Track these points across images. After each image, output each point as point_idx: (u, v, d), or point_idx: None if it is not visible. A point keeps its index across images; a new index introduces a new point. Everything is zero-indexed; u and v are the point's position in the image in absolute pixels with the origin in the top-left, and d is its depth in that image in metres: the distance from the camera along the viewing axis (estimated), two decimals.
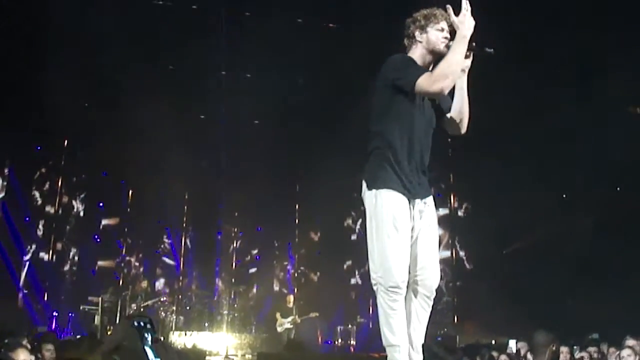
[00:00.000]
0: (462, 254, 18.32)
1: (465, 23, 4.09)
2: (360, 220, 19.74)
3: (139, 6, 13.00)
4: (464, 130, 4.54)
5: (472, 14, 4.09)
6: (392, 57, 4.36)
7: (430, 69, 4.35)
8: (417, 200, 4.28)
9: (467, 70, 4.40)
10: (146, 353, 5.86)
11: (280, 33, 12.91)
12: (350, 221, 20.03)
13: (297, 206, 19.50)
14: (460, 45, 4.08)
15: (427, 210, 4.34)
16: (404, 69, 4.23)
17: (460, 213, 18.65)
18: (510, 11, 12.32)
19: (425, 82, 4.10)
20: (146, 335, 5.99)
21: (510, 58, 12.56)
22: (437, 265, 4.36)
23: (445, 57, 4.11)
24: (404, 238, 4.14)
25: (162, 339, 13.30)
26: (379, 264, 4.13)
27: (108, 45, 13.28)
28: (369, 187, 4.26)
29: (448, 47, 4.29)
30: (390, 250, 4.09)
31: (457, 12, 4.19)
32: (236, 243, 19.13)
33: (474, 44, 4.27)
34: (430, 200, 4.38)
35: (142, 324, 6.12)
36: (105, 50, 13.60)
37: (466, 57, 4.29)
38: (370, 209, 4.23)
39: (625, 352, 7.64)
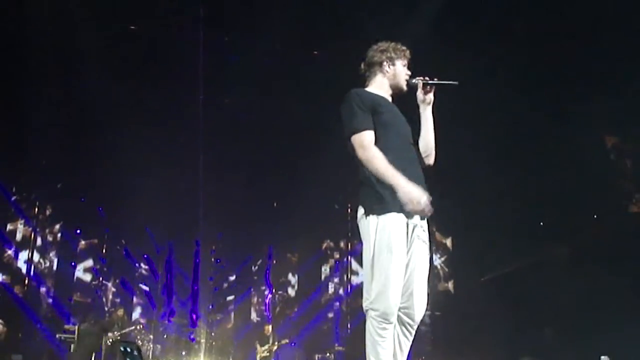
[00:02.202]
0: (440, 281, 18.34)
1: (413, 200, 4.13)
2: (338, 248, 19.83)
3: (115, 32, 12.98)
4: (431, 161, 4.71)
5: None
6: (343, 101, 4.48)
7: (391, 99, 4.60)
8: (416, 221, 4.32)
9: (430, 103, 4.65)
10: None
11: (259, 58, 12.96)
12: (327, 248, 20.14)
13: (274, 244, 19.52)
14: (384, 179, 4.18)
15: (423, 235, 4.37)
16: (349, 119, 4.38)
17: (437, 241, 18.69)
18: (484, 35, 12.44)
19: (354, 141, 4.32)
20: None
21: (486, 86, 12.71)
22: (425, 293, 4.37)
23: (380, 170, 4.20)
24: (400, 267, 4.16)
25: None
26: (372, 291, 4.13)
27: (84, 72, 13.28)
28: (367, 214, 4.25)
29: (408, 84, 4.60)
30: (385, 278, 4.09)
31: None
32: (213, 270, 19.05)
33: (435, 79, 4.60)
34: (425, 223, 4.42)
35: (129, 350, 6.10)
36: (81, 77, 13.59)
37: (427, 91, 4.62)
38: (369, 235, 4.21)
39: None
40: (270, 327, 15.82)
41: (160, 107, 14.56)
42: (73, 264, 18.29)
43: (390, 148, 4.31)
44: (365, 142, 4.26)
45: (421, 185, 4.34)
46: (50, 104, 13.77)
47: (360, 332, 4.26)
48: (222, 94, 14.71)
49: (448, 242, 18.65)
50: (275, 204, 18.86)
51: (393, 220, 4.17)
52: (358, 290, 17.97)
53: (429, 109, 4.67)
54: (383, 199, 4.18)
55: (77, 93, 13.92)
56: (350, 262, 19.17)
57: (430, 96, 4.64)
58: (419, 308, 4.32)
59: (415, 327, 4.35)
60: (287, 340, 15.61)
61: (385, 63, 4.61)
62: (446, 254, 18.51)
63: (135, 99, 14.20)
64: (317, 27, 12.83)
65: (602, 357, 8.18)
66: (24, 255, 16.91)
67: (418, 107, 4.74)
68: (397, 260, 4.14)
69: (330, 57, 13.22)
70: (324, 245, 20.38)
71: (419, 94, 4.66)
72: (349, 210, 17.75)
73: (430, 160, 4.69)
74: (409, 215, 4.24)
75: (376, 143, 4.30)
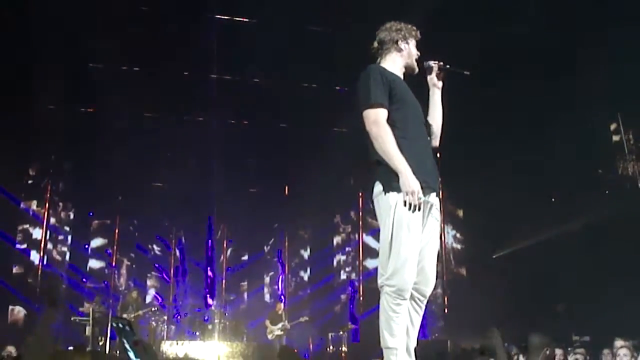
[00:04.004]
0: (451, 258, 18.35)
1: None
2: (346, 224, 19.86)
3: (126, 14, 12.91)
4: (436, 142, 4.71)
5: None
6: (362, 75, 4.46)
7: (402, 77, 4.60)
8: (432, 199, 4.33)
9: (440, 87, 4.74)
10: (128, 354, 5.90)
11: (269, 36, 12.91)
12: (338, 225, 20.22)
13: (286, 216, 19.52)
14: (389, 159, 4.18)
15: (436, 213, 4.38)
16: (366, 92, 4.33)
17: (449, 218, 18.67)
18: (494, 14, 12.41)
19: (368, 116, 4.28)
20: (125, 337, 6.01)
21: (494, 63, 12.68)
22: (434, 268, 4.38)
23: (388, 151, 4.18)
24: (416, 244, 4.18)
25: (152, 346, 13.36)
26: (389, 267, 4.14)
27: (93, 50, 13.28)
28: (386, 190, 4.22)
29: (422, 65, 4.66)
30: (403, 255, 4.10)
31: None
32: (227, 252, 19.12)
33: (448, 65, 4.70)
34: (438, 202, 4.42)
35: (120, 325, 6.18)
36: (90, 55, 13.61)
37: (439, 78, 4.72)
38: (387, 212, 4.19)
39: (622, 352, 7.72)
40: (282, 305, 15.82)
41: (171, 88, 14.51)
42: (86, 245, 18.40)
43: (408, 126, 4.32)
44: (379, 119, 4.24)
45: (432, 162, 4.40)
46: (61, 85, 13.76)
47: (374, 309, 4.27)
48: (233, 75, 14.63)
49: (459, 218, 18.65)
50: (286, 188, 18.92)
51: None
52: (371, 268, 18.04)
53: (439, 92, 4.74)
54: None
55: (89, 75, 13.92)
56: (363, 240, 19.21)
57: (439, 84, 4.74)
58: (430, 284, 4.34)
59: (425, 302, 4.37)
60: (306, 318, 15.65)
61: (400, 41, 4.61)
62: (458, 229, 18.51)
63: (146, 81, 14.18)
64: (330, 5, 12.77)
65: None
66: (37, 233, 16.96)
67: (428, 89, 4.79)
68: (414, 238, 4.15)
69: (343, 36, 13.17)
70: (336, 222, 20.45)
71: (432, 77, 4.74)
72: (361, 190, 17.82)
73: (437, 141, 4.70)
74: (427, 186, 4.24)
75: (394, 120, 4.30)
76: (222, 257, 18.90)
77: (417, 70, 4.66)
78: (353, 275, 19.21)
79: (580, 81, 12.99)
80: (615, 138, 14.21)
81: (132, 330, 5.90)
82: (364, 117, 4.29)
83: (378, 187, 4.30)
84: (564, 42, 12.75)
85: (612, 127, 14.37)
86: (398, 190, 4.16)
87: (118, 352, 12.78)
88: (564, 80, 13.29)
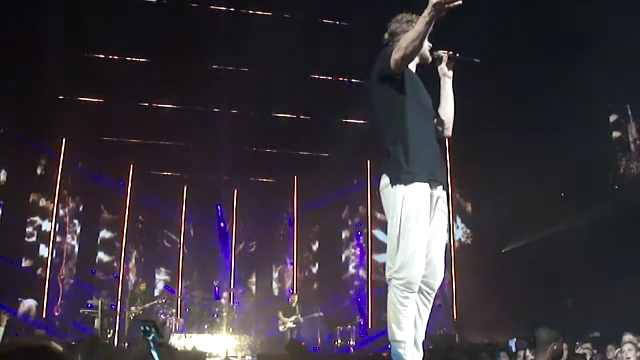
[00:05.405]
0: (460, 252, 18.31)
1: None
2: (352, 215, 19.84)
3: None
4: (448, 133, 4.71)
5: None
6: (379, 55, 4.43)
7: (414, 70, 4.54)
8: (439, 192, 4.34)
9: (451, 77, 4.68)
10: (152, 356, 5.92)
11: (280, 28, 12.88)
12: (344, 215, 20.23)
13: (295, 207, 19.48)
14: (421, 24, 3.99)
15: (443, 206, 4.38)
16: (386, 57, 4.27)
17: (458, 212, 18.64)
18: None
19: (392, 57, 4.18)
20: (151, 338, 6.05)
21: (505, 58, 12.65)
22: (442, 261, 4.38)
23: (416, 26, 4.06)
24: (424, 237, 4.17)
25: (171, 344, 13.40)
26: (397, 260, 4.14)
27: (105, 42, 13.30)
28: (393, 183, 4.22)
29: (431, 53, 4.55)
30: (411, 248, 4.10)
31: None
32: (236, 244, 19.10)
33: (458, 54, 4.64)
34: (445, 194, 4.43)
35: (147, 328, 6.20)
36: (101, 47, 13.63)
37: (449, 67, 4.66)
38: (395, 205, 4.19)
39: (626, 347, 7.70)
40: (296, 297, 15.74)
41: (178, 77, 14.48)
42: (95, 238, 18.43)
43: (417, 119, 4.32)
44: (393, 54, 4.16)
45: (440, 156, 4.42)
46: (69, 75, 13.79)
47: (382, 303, 4.27)
48: (242, 62, 14.60)
49: (468, 212, 18.61)
50: (295, 178, 18.87)
51: (419, 190, 4.17)
52: (378, 263, 18.01)
53: (450, 82, 4.68)
54: (409, 170, 4.17)
55: (99, 65, 13.93)
56: (371, 235, 19.19)
57: (450, 73, 4.68)
58: (438, 277, 4.34)
59: (434, 295, 4.36)
60: (321, 314, 15.66)
61: None
62: (467, 224, 18.47)
63: (156, 67, 14.20)
64: None
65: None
66: (46, 225, 16.96)
67: (439, 79, 4.74)
68: (422, 230, 4.14)
69: (352, 26, 13.16)
70: (344, 216, 20.44)
71: (443, 66, 4.69)
72: (369, 182, 17.80)
73: (449, 132, 4.69)
74: (434, 179, 4.25)
75: (405, 109, 4.29)
76: (230, 251, 18.88)
77: (430, 59, 4.60)
78: (361, 270, 19.18)
79: (586, 77, 12.96)
80: (622, 134, 14.17)
81: (157, 332, 5.95)
82: (393, 65, 4.19)
83: (385, 179, 4.29)
84: (565, 40, 12.73)
85: (619, 122, 14.34)
86: (405, 182, 4.16)
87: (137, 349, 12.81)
88: (570, 76, 13.26)
